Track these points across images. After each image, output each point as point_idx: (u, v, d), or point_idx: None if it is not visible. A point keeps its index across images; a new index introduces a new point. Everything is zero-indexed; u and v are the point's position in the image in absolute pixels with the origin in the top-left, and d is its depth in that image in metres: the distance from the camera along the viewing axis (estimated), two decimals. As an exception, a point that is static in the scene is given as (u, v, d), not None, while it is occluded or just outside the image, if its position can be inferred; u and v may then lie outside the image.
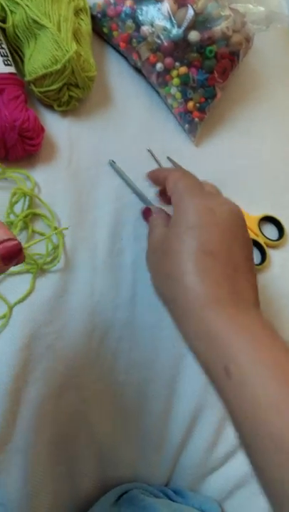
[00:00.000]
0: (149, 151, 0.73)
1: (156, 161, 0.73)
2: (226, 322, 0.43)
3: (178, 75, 0.72)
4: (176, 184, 0.54)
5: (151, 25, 0.70)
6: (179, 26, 0.69)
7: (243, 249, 0.50)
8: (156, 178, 0.61)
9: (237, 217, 0.52)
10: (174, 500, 0.60)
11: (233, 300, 0.45)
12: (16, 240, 0.38)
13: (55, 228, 0.61)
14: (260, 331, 0.44)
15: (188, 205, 0.50)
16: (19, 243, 0.38)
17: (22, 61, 0.65)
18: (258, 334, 0.43)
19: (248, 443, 0.39)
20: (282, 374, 0.39)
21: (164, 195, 0.62)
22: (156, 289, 0.52)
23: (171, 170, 0.59)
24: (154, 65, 0.72)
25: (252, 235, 0.74)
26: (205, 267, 0.46)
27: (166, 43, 0.69)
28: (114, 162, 0.69)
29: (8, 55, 0.63)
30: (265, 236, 0.75)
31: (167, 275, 0.48)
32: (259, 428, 0.37)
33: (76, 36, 0.65)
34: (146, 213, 0.66)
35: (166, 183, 0.56)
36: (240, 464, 0.64)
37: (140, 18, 0.70)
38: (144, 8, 0.70)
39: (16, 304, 0.58)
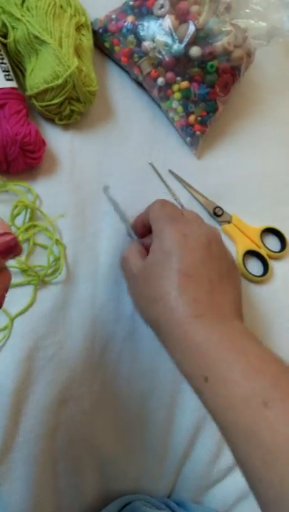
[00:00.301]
0: (150, 164, 0.74)
1: (158, 174, 0.74)
2: (204, 335, 0.47)
3: (179, 89, 0.72)
4: (156, 213, 0.58)
5: (153, 40, 0.71)
6: (180, 42, 0.69)
7: (219, 267, 0.54)
8: (141, 219, 0.64)
9: (211, 239, 0.56)
10: (176, 513, 0.60)
11: (213, 313, 0.49)
12: (12, 233, 0.39)
13: (57, 241, 0.62)
14: (239, 339, 0.48)
15: (166, 233, 0.55)
16: (15, 237, 0.39)
17: (23, 75, 0.66)
18: (236, 343, 0.47)
19: (232, 447, 0.43)
20: (253, 373, 0.43)
21: (140, 227, 0.64)
22: (141, 313, 0.55)
23: (150, 205, 0.61)
24: (155, 80, 0.73)
25: (254, 247, 0.74)
26: (184, 287, 0.50)
27: (167, 58, 0.70)
28: (109, 187, 0.69)
29: (10, 70, 0.64)
30: (267, 248, 0.75)
31: (150, 298, 0.52)
32: (237, 425, 0.42)
33: (77, 51, 0.66)
34: None
35: (148, 213, 0.60)
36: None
37: (141, 33, 0.71)
38: (146, 23, 0.71)
39: (17, 315, 0.58)
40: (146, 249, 0.60)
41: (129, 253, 0.60)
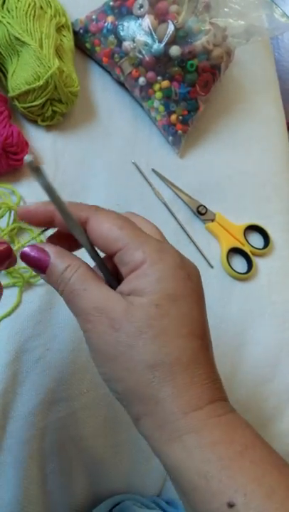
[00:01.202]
0: (134, 163, 0.74)
1: (142, 173, 0.74)
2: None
3: (160, 89, 0.73)
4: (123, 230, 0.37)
5: (133, 40, 0.71)
6: (160, 41, 0.70)
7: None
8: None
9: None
10: (166, 511, 0.60)
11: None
12: (5, 243, 0.38)
13: (41, 242, 0.62)
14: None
15: (163, 267, 0.36)
16: (9, 246, 0.38)
17: (5, 77, 0.66)
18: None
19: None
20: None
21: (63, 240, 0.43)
22: (122, 386, 0.36)
23: (89, 210, 0.40)
24: (136, 80, 0.73)
25: (238, 244, 0.74)
26: (197, 357, 0.36)
27: (147, 58, 0.71)
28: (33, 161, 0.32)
29: (-9, 72, 0.64)
30: (251, 245, 0.75)
31: (151, 365, 0.35)
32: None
33: (58, 52, 0.66)
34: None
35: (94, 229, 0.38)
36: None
37: (122, 33, 0.71)
38: (126, 23, 0.71)
39: (3, 317, 0.58)
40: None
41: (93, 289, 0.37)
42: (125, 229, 0.37)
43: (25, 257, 0.38)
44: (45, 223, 0.40)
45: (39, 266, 0.38)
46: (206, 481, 0.32)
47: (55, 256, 0.38)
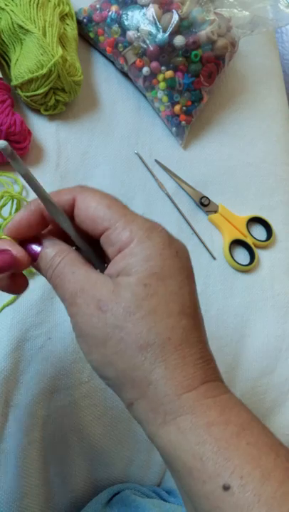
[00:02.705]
0: (137, 154, 0.74)
1: (145, 164, 0.74)
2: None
3: (164, 79, 0.72)
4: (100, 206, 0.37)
5: (137, 30, 0.71)
6: (164, 31, 0.69)
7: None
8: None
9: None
10: (166, 500, 0.60)
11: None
12: (9, 251, 0.38)
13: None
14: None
15: (149, 242, 0.36)
16: (13, 254, 0.38)
17: (8, 66, 0.66)
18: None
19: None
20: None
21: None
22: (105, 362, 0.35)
23: (74, 190, 0.38)
24: (140, 70, 0.73)
25: (240, 236, 0.74)
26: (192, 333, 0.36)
27: (151, 48, 0.70)
28: (7, 146, 0.31)
29: (-6, 60, 0.64)
30: (253, 237, 0.75)
31: (141, 346, 0.34)
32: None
33: (62, 41, 0.66)
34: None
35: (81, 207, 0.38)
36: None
37: (126, 23, 0.71)
38: (130, 13, 0.71)
39: (5, 306, 0.58)
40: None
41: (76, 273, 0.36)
42: (113, 207, 0.37)
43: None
44: (37, 228, 0.39)
45: (32, 254, 0.38)
46: (201, 463, 0.32)
47: (47, 244, 0.38)
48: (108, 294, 0.34)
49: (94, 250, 0.39)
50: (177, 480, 0.35)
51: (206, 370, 0.35)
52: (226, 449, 0.32)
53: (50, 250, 0.37)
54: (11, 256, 0.37)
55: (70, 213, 0.38)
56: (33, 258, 0.38)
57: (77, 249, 0.39)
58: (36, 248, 0.38)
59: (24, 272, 0.58)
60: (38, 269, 0.38)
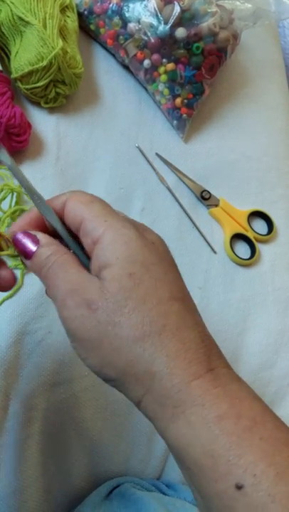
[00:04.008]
0: (137, 147, 0.74)
1: (145, 157, 0.73)
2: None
3: (165, 72, 0.72)
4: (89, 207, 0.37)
5: (138, 22, 0.70)
6: (166, 23, 0.69)
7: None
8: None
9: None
10: (166, 494, 0.60)
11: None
12: (8, 268, 0.39)
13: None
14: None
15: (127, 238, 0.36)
16: (12, 271, 0.39)
17: (8, 58, 0.66)
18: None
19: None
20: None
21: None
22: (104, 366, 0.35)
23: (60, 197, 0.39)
24: (141, 62, 0.72)
25: (241, 230, 0.74)
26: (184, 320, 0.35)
27: (153, 40, 0.70)
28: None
29: (-6, 52, 0.63)
30: (254, 231, 0.75)
31: (137, 337, 0.33)
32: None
33: (62, 33, 0.65)
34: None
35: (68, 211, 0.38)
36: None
37: (127, 15, 0.71)
38: (131, 5, 0.70)
39: (4, 299, 0.58)
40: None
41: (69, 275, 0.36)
42: (92, 204, 0.37)
43: (16, 241, 0.38)
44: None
45: (27, 251, 0.38)
46: (212, 461, 0.31)
47: (44, 243, 0.38)
48: (96, 292, 0.34)
49: (84, 253, 0.39)
50: (188, 478, 0.34)
51: (211, 356, 0.34)
52: (238, 445, 0.31)
53: (47, 249, 0.37)
54: None
55: (62, 218, 0.38)
56: (27, 256, 0.38)
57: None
58: (32, 247, 0.38)
59: (22, 266, 0.58)
60: (30, 267, 0.38)
